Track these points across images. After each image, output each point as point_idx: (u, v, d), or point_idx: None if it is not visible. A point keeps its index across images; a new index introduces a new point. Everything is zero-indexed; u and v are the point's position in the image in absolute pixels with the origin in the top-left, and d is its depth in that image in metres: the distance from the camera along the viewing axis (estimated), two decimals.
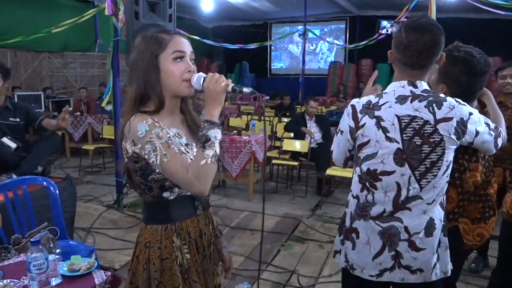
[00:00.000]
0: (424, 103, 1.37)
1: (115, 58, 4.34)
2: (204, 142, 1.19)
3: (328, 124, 5.63)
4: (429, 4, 5.95)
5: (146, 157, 1.21)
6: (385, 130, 1.40)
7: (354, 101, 1.50)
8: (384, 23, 2.17)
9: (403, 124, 1.38)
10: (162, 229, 1.31)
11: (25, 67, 8.77)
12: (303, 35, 10.33)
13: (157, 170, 1.23)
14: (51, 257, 1.51)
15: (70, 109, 3.31)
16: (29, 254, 1.40)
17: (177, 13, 3.82)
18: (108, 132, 6.30)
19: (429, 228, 1.41)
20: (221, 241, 1.55)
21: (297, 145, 5.28)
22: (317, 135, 5.42)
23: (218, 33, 13.33)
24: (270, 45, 14.29)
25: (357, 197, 1.50)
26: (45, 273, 1.41)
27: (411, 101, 1.39)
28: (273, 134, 6.21)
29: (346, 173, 4.75)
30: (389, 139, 1.39)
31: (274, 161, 5.49)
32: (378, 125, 1.41)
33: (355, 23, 12.82)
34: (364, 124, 1.43)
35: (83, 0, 9.42)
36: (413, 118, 1.37)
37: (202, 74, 1.27)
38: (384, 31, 1.80)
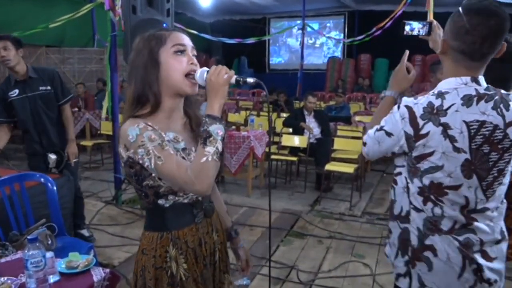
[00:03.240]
0: (491, 104, 1.21)
1: (113, 53, 4.32)
2: (205, 138, 1.13)
3: (327, 119, 5.61)
4: None
5: (140, 161, 1.17)
6: (452, 140, 1.21)
7: (409, 101, 1.28)
8: (415, 24, 1.96)
9: (472, 131, 1.20)
10: (158, 237, 1.28)
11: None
12: (302, 29, 10.29)
13: (153, 174, 1.19)
14: (48, 254, 1.50)
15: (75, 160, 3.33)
16: (26, 251, 1.38)
17: (174, 8, 3.79)
18: (106, 127, 6.27)
19: (498, 236, 1.31)
20: (237, 240, 1.54)
21: (296, 141, 5.27)
22: (316, 131, 5.41)
23: (217, 28, 13.27)
24: (269, 40, 14.25)
25: (421, 211, 1.31)
26: (42, 271, 1.40)
27: (477, 103, 1.21)
28: (272, 129, 6.18)
29: (345, 168, 4.74)
30: (456, 149, 1.22)
31: (273, 157, 5.48)
32: (445, 134, 1.21)
33: (354, 18, 12.77)
34: (427, 133, 1.23)
35: None
36: (482, 123, 1.20)
37: (205, 68, 1.22)
38: (415, 33, 1.70)
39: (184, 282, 1.28)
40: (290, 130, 5.50)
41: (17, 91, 3.08)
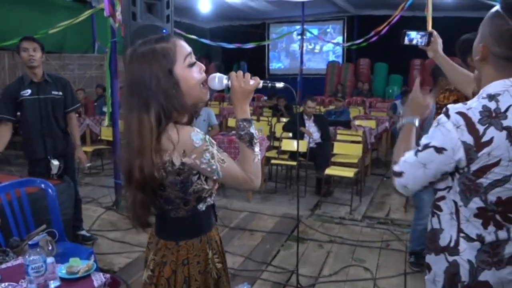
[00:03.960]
0: None
1: (113, 59, 4.34)
2: (250, 140, 1.23)
3: (327, 123, 5.62)
4: (427, 2, 5.96)
5: (203, 166, 1.17)
6: None
7: (459, 107, 1.11)
8: (413, 34, 1.93)
9: None
10: (198, 242, 1.28)
11: (23, 69, 8.72)
12: (301, 35, 10.33)
13: (214, 177, 1.22)
14: (49, 259, 1.50)
15: (88, 165, 3.38)
16: (27, 257, 1.39)
17: (174, 15, 3.82)
18: (106, 133, 6.28)
19: None
20: None
21: (296, 145, 5.28)
22: (316, 135, 5.41)
23: (216, 34, 13.31)
24: (268, 46, 14.30)
25: (479, 238, 1.12)
26: (43, 276, 1.40)
27: None
28: (272, 134, 6.21)
29: (344, 172, 4.75)
30: None
31: (273, 161, 5.48)
32: (510, 138, 1.06)
33: (353, 23, 12.82)
34: (491, 140, 1.06)
35: (80, 0, 9.41)
36: None
37: (221, 75, 1.28)
38: (414, 43, 1.70)
39: (218, 282, 1.32)
40: (290, 134, 5.51)
41: (29, 91, 3.20)
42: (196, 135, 1.17)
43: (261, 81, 1.26)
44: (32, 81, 3.21)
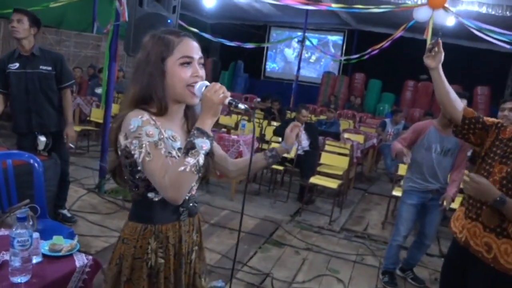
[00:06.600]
0: None
1: (114, 42, 4.32)
2: (189, 148, 1.14)
3: (317, 132, 5.67)
4: (427, 26, 6.08)
5: (132, 152, 1.20)
6: None
7: None
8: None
9: None
10: (141, 228, 1.31)
11: None
12: (301, 42, 10.41)
13: (139, 168, 1.22)
14: (35, 235, 1.51)
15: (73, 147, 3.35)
16: (14, 229, 1.39)
17: (180, 9, 3.83)
18: (96, 115, 6.23)
19: None
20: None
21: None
22: (305, 143, 5.45)
23: (217, 30, 13.31)
24: (267, 48, 14.36)
25: None
26: (27, 250, 1.40)
27: None
28: (262, 137, 6.24)
29: (329, 183, 4.80)
30: None
31: None
32: None
33: (353, 36, 12.96)
34: None
35: None
36: None
37: (205, 82, 1.25)
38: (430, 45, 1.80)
39: (158, 276, 1.32)
40: (280, 139, 5.54)
41: (17, 64, 3.14)
42: (135, 120, 1.20)
43: (229, 98, 1.21)
44: (20, 54, 3.14)
